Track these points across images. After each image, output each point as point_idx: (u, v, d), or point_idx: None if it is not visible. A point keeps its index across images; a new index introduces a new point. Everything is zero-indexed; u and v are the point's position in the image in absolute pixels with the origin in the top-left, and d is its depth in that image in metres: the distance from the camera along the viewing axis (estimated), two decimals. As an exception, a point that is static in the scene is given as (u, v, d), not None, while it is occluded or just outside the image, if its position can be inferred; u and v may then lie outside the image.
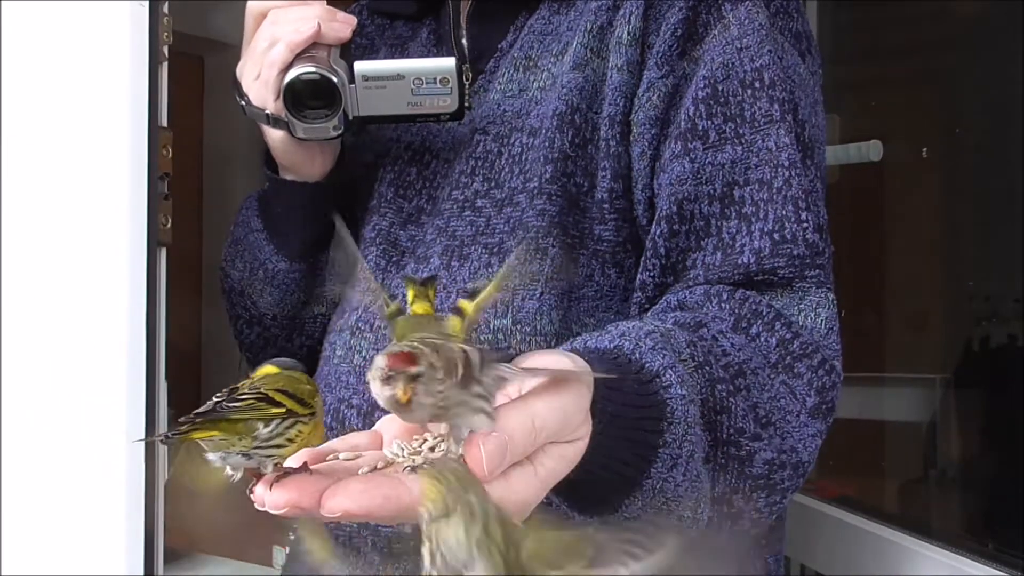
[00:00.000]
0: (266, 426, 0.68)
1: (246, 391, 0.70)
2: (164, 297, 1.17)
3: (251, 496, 0.67)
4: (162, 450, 1.12)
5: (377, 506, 0.62)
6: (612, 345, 0.82)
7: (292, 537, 1.23)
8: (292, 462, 0.70)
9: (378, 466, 0.71)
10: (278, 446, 0.69)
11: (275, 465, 0.69)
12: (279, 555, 2.06)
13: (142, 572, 1.08)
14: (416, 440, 0.73)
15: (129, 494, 1.08)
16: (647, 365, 0.81)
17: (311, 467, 0.70)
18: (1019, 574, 1.28)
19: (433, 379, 0.62)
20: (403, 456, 0.71)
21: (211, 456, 0.69)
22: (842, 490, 1.71)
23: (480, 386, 0.65)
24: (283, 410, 0.69)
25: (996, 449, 1.70)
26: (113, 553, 1.08)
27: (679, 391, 0.81)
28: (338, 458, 0.74)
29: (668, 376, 0.81)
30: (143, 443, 0.66)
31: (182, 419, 0.68)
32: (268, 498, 0.65)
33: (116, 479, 1.07)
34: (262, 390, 0.70)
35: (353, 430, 0.92)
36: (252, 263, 1.22)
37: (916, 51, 1.93)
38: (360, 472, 0.70)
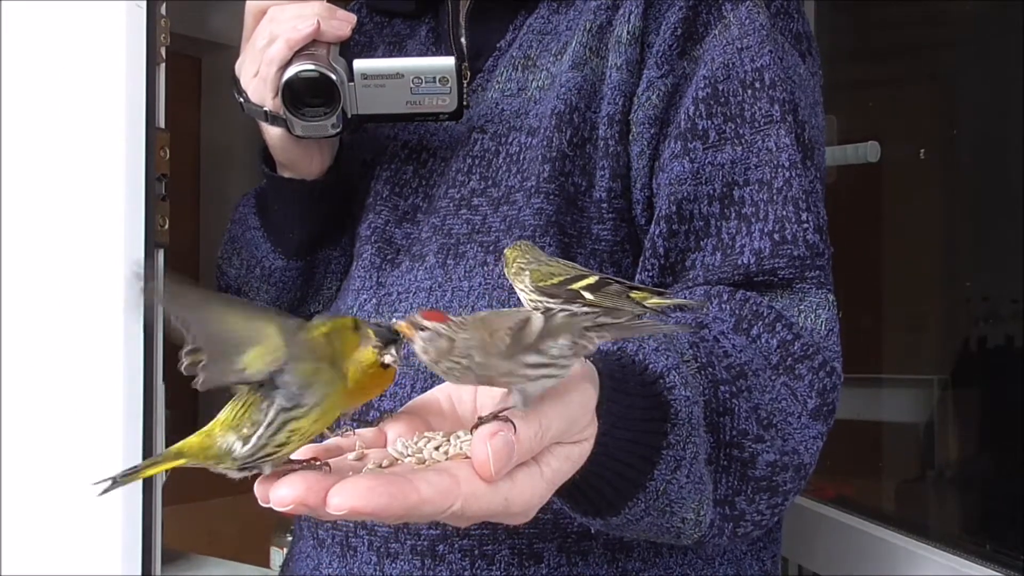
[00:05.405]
0: (244, 444, 0.67)
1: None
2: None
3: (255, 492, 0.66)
4: (160, 450, 1.12)
5: (383, 505, 0.62)
6: (615, 346, 0.82)
7: (289, 538, 1.23)
8: (299, 455, 0.69)
9: (383, 464, 0.71)
10: (269, 455, 0.67)
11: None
12: (276, 556, 2.06)
13: (139, 572, 1.08)
14: (420, 439, 0.73)
15: (127, 494, 1.07)
16: (651, 366, 0.80)
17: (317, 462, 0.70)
18: (1017, 575, 1.28)
19: (450, 341, 0.65)
20: (407, 454, 0.71)
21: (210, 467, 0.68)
22: (840, 491, 1.70)
23: (540, 355, 0.66)
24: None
25: (994, 449, 1.69)
26: (111, 553, 1.07)
27: (683, 392, 0.81)
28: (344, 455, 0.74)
29: (672, 377, 0.81)
30: (106, 483, 0.64)
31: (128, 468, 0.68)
32: (273, 494, 0.64)
33: (114, 479, 1.07)
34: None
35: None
36: (249, 260, 1.22)
37: (914, 51, 1.93)
38: (365, 470, 0.70)
